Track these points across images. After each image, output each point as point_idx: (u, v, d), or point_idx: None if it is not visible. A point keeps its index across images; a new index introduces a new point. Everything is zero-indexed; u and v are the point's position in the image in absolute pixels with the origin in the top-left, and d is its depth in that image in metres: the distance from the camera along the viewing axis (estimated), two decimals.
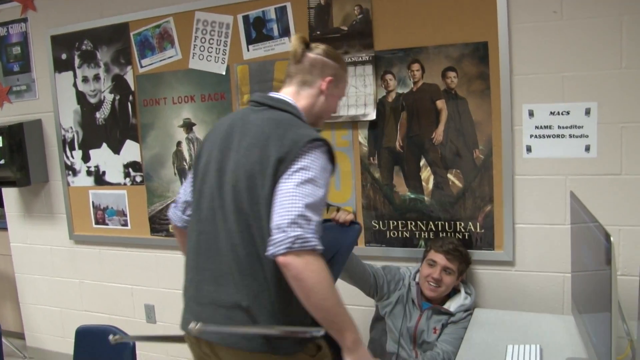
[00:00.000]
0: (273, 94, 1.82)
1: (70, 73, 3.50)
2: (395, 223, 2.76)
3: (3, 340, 3.01)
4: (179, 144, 3.23)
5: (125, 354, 2.33)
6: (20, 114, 3.77)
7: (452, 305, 2.48)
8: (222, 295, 1.67)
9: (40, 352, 4.12)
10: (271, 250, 1.50)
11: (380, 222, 2.78)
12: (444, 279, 2.44)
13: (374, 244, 2.81)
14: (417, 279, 2.54)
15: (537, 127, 2.46)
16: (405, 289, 2.54)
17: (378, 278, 2.53)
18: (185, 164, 3.22)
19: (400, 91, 2.65)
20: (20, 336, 4.27)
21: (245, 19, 2.92)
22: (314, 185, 1.56)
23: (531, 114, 2.46)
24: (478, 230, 2.61)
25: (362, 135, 2.76)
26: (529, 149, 2.48)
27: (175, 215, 1.98)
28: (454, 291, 2.54)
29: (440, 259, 2.45)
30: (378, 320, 2.66)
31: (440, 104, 2.57)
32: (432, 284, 2.44)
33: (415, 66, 2.59)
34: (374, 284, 2.52)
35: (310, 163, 1.59)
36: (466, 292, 2.52)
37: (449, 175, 2.61)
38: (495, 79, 2.47)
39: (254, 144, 1.66)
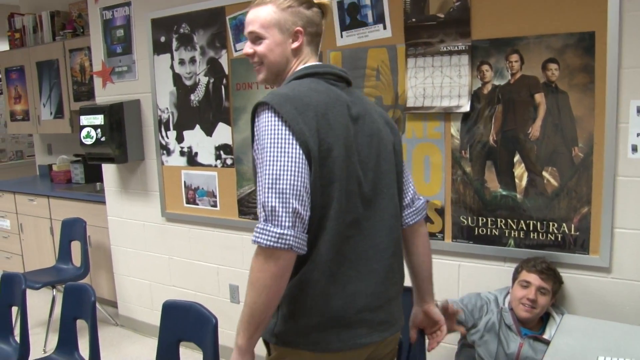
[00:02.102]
0: (337, 68, 1.74)
1: (168, 55, 3.60)
2: (484, 220, 2.66)
3: (98, 306, 3.16)
4: None
5: (207, 329, 2.38)
6: (120, 94, 3.92)
7: (550, 333, 2.38)
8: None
9: (130, 321, 4.32)
10: None
11: (469, 218, 2.69)
12: (539, 300, 2.36)
13: (461, 239, 2.72)
14: (506, 304, 2.46)
15: None
16: (494, 315, 2.45)
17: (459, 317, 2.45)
18: None
19: (496, 83, 2.53)
20: (113, 304, 4.49)
21: (340, 4, 2.88)
22: None
23: (639, 110, 2.29)
24: (572, 232, 2.46)
25: (455, 128, 2.67)
26: (634, 149, 2.31)
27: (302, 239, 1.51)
28: (546, 314, 2.45)
29: (534, 279, 2.37)
30: (465, 347, 2.58)
31: (539, 97, 2.44)
32: (527, 305, 2.35)
33: (514, 57, 2.47)
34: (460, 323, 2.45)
35: None
36: (559, 315, 2.42)
37: (544, 173, 2.48)
38: (601, 72, 2.31)
39: (388, 137, 1.76)
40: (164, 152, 3.74)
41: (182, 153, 3.66)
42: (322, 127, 1.53)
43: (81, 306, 2.75)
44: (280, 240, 1.44)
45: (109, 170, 4.17)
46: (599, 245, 2.42)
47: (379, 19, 2.78)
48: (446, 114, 2.67)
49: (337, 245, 1.58)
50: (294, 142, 1.49)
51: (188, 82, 3.54)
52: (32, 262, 5.27)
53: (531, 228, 2.55)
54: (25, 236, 5.40)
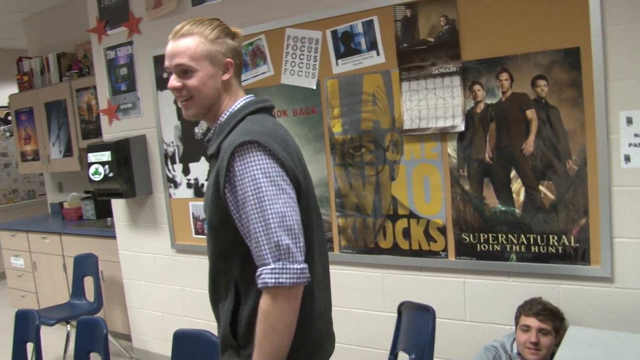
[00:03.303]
0: (269, 100, 1.78)
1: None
2: (485, 236, 2.70)
3: (112, 340, 3.21)
4: None
5: (217, 356, 2.42)
6: (127, 130, 4.02)
7: None
8: None
9: (144, 353, 4.36)
10: None
11: (471, 235, 2.74)
12: (541, 341, 2.40)
13: (465, 257, 2.77)
14: (514, 350, 2.49)
15: (636, 135, 2.33)
16: None
17: None
18: None
19: (488, 102, 2.60)
20: (128, 337, 4.54)
21: (334, 33, 2.97)
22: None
23: (629, 121, 2.33)
24: (572, 244, 2.50)
25: (451, 147, 2.73)
26: (627, 159, 2.36)
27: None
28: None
29: (532, 322, 2.42)
30: None
31: (530, 113, 2.50)
32: (532, 348, 2.40)
33: (504, 75, 2.54)
34: None
35: None
36: None
37: (541, 187, 2.53)
38: (589, 85, 2.37)
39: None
40: (171, 184, 3.83)
41: (189, 185, 3.73)
42: (295, 161, 1.59)
43: (94, 339, 2.81)
44: (302, 276, 1.47)
45: (118, 205, 4.25)
46: (600, 255, 2.46)
47: (372, 45, 2.86)
48: (442, 134, 2.74)
49: (316, 270, 1.67)
50: (287, 179, 1.53)
51: None
52: (46, 299, 5.34)
53: (532, 242, 2.59)
54: (38, 274, 5.48)
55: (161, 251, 4.01)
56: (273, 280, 1.45)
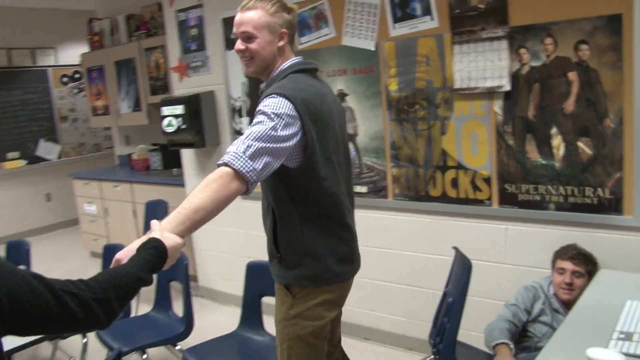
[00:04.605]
0: (314, 63, 2.20)
1: None
2: (527, 187, 2.97)
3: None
4: None
5: None
6: (196, 86, 4.37)
7: None
8: None
9: (209, 291, 4.81)
10: None
11: (513, 186, 3.00)
12: (575, 282, 2.64)
13: (507, 205, 3.04)
14: (551, 290, 2.72)
15: None
16: (542, 300, 2.71)
17: (520, 320, 2.69)
18: None
19: (533, 64, 2.83)
20: (194, 278, 4.97)
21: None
22: None
23: None
24: (607, 195, 2.75)
25: (498, 105, 2.98)
26: None
27: None
28: None
29: (567, 265, 2.66)
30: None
31: (572, 75, 2.73)
32: (566, 288, 2.64)
33: (548, 40, 2.77)
34: (522, 323, 2.71)
35: None
36: None
37: (579, 143, 2.78)
38: (629, 50, 2.57)
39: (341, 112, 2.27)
40: (237, 136, 4.16)
41: None
42: (321, 115, 2.01)
43: (175, 270, 3.19)
44: (250, 171, 1.79)
45: (187, 155, 4.64)
46: (632, 206, 2.70)
47: (427, 11, 3.11)
48: (489, 93, 2.99)
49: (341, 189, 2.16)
50: (292, 129, 1.91)
51: None
52: (117, 243, 5.81)
53: (569, 193, 2.85)
54: (110, 219, 5.97)
55: None
56: (228, 159, 1.77)
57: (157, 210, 4.84)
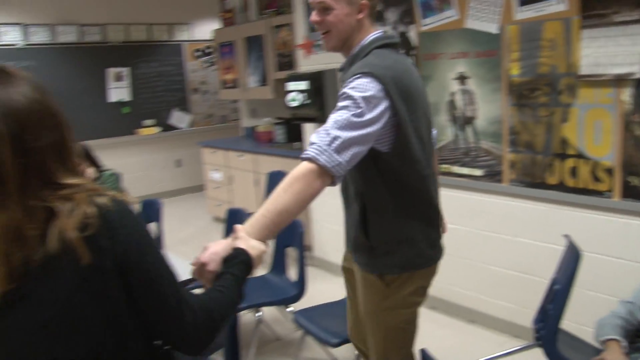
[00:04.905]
0: (397, 37, 2.13)
1: None
2: None
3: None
4: (452, 94, 3.64)
5: None
6: (321, 63, 4.51)
7: None
8: None
9: (323, 262, 5.01)
10: None
11: (638, 179, 2.89)
12: None
13: (630, 199, 2.92)
14: None
15: None
16: None
17: (636, 318, 2.50)
18: (458, 112, 3.63)
19: None
20: (309, 248, 5.18)
21: None
22: None
23: None
24: None
25: (627, 94, 2.86)
26: None
27: None
28: None
29: None
30: None
31: None
32: None
33: None
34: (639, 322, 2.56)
35: None
36: None
37: None
38: None
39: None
40: None
41: None
42: (411, 92, 1.89)
43: (291, 236, 3.38)
44: (336, 166, 1.73)
45: (309, 130, 4.82)
46: None
47: None
48: (618, 81, 2.87)
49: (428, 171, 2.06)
50: (381, 109, 1.81)
51: None
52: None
53: None
54: (233, 187, 6.31)
55: None
56: (312, 153, 1.70)
57: (278, 180, 5.04)
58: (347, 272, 2.39)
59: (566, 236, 2.71)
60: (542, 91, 3.16)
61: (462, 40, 3.49)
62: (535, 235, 3.36)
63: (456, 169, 3.69)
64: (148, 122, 8.13)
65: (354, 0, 1.90)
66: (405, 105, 1.85)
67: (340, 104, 1.79)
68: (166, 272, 1.25)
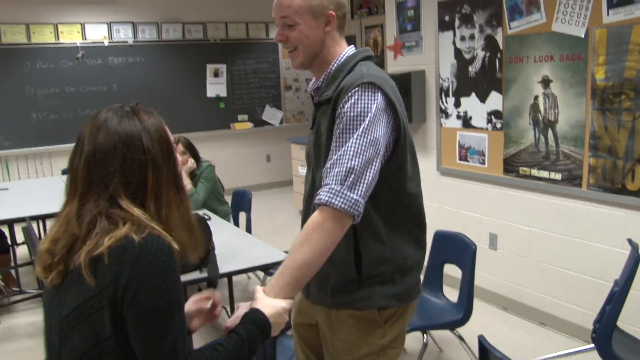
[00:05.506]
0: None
1: (451, 32, 4.20)
2: None
3: None
4: (536, 97, 3.67)
5: (468, 254, 3.00)
6: (409, 65, 4.64)
7: None
8: None
9: None
10: None
11: None
12: None
13: None
14: None
15: None
16: None
17: None
18: (540, 116, 3.66)
19: None
20: None
21: None
22: None
23: None
24: None
25: None
26: None
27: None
28: None
29: None
30: None
31: None
32: None
33: None
34: None
35: None
36: None
37: None
38: None
39: None
40: (443, 115, 4.38)
41: (458, 117, 4.26)
42: (401, 104, 1.72)
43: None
44: (354, 206, 1.58)
45: None
46: None
47: None
48: None
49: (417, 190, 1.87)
50: (391, 122, 1.67)
51: (467, 56, 4.11)
52: None
53: None
54: None
55: (426, 171, 4.59)
56: (326, 198, 1.55)
57: None
58: (303, 329, 2.04)
59: (629, 240, 2.72)
60: (627, 96, 3.15)
61: (548, 43, 3.53)
62: (612, 241, 3.35)
63: (535, 172, 3.72)
64: (242, 117, 8.51)
65: (320, 12, 1.70)
66: (404, 116, 1.72)
67: (342, 126, 1.62)
68: (166, 321, 1.23)
